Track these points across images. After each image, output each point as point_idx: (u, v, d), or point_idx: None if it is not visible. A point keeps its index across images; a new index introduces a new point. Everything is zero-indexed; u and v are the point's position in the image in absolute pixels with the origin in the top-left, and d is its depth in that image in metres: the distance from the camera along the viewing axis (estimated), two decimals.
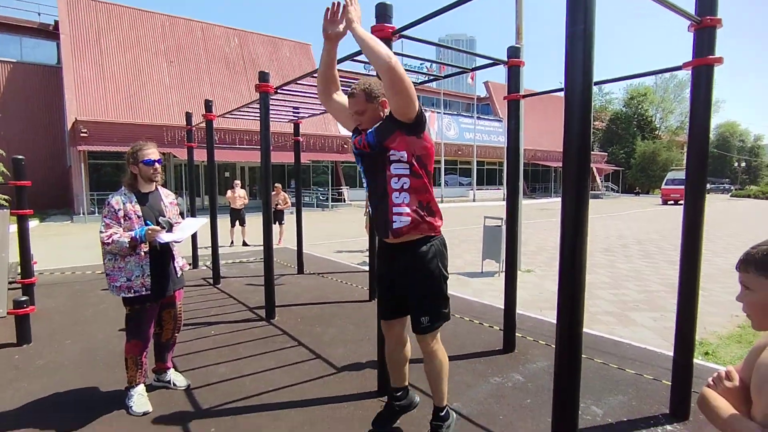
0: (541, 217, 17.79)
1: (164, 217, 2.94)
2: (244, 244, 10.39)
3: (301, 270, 7.13)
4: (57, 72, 21.58)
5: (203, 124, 6.52)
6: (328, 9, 2.17)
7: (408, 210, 2.19)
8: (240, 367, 3.50)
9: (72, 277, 6.78)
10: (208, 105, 6.31)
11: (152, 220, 2.87)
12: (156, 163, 2.90)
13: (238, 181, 10.87)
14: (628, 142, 46.23)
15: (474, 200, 29.25)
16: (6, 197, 12.95)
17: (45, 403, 2.97)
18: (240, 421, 2.74)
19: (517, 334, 3.92)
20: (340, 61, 3.70)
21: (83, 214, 17.39)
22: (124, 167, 2.96)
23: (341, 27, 2.17)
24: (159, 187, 3.05)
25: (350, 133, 2.44)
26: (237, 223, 10.41)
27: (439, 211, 2.31)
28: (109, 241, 2.69)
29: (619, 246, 10.49)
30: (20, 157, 4.33)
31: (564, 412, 2.01)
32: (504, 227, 5.67)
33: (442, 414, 2.41)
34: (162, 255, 2.92)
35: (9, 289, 4.99)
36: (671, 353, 2.90)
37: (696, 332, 2.81)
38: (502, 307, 3.92)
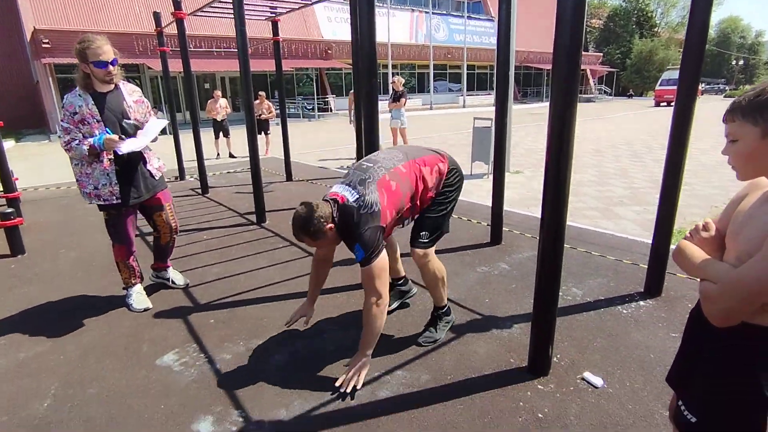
0: (532, 121, 17.52)
1: (129, 119, 2.69)
2: (231, 155, 10.20)
3: (289, 177, 7.09)
4: None
5: (174, 28, 6.03)
6: None
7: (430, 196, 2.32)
8: (234, 267, 3.59)
9: (57, 193, 6.70)
10: (176, 2, 5.78)
11: (115, 124, 2.63)
12: (110, 66, 2.55)
13: (218, 91, 10.38)
14: (626, 41, 44.24)
15: (464, 106, 28.51)
16: None
17: (47, 307, 3.07)
18: (238, 312, 2.88)
19: (504, 228, 4.02)
20: None
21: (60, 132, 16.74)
22: None
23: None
24: (121, 84, 2.72)
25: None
26: (221, 134, 10.12)
27: (440, 162, 2.32)
28: (68, 147, 2.53)
29: (608, 147, 10.48)
30: None
31: (545, 292, 2.12)
32: (493, 128, 5.57)
33: (443, 310, 2.55)
34: (129, 161, 2.71)
35: None
36: (651, 241, 3.01)
37: (675, 221, 2.89)
38: (490, 204, 3.97)
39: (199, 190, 6.43)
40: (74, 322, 2.80)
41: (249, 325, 2.70)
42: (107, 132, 2.59)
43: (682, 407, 1.16)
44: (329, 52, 23.97)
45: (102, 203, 2.69)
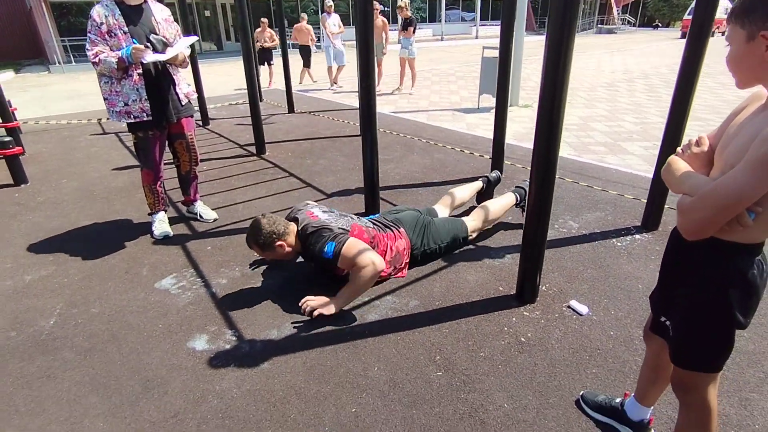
0: None
1: (157, 35, 2.65)
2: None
3: (291, 109, 6.93)
4: None
5: None
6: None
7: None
8: (233, 196, 3.62)
9: (58, 125, 6.64)
10: None
11: (141, 38, 2.59)
12: None
13: (264, 19, 9.65)
14: None
15: (477, 37, 27.11)
16: None
17: (51, 233, 3.14)
18: (235, 239, 2.93)
19: (506, 161, 3.95)
20: None
21: (59, 63, 16.32)
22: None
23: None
24: (151, 1, 2.69)
25: None
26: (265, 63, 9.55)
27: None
28: (96, 60, 2.49)
29: (623, 80, 10.01)
30: None
31: (535, 221, 2.10)
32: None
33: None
34: (158, 79, 2.70)
35: None
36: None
37: None
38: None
39: (200, 122, 6.33)
40: (77, 247, 2.88)
41: (245, 252, 2.75)
42: (134, 43, 2.53)
43: (665, 321, 1.20)
44: None
45: (132, 120, 2.67)
